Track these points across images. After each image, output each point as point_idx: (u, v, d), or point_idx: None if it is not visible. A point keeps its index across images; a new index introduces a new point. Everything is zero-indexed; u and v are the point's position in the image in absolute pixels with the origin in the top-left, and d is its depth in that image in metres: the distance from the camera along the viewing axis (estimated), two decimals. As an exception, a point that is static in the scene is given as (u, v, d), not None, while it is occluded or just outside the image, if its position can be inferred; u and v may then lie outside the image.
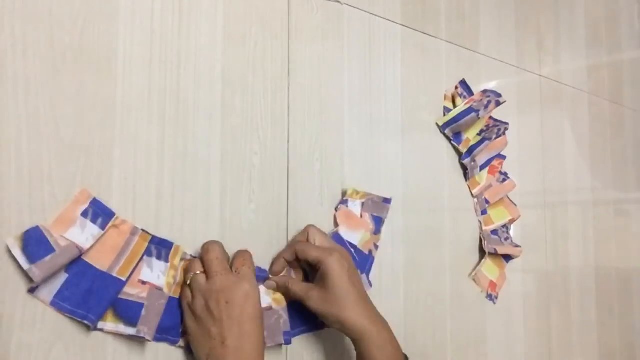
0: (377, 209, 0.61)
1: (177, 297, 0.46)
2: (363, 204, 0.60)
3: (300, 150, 0.57)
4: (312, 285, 0.50)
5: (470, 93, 0.76)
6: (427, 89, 0.71)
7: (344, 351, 0.57)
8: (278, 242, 0.54)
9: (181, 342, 0.46)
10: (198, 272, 0.45)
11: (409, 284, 0.65)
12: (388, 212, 0.62)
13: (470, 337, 0.73)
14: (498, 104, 0.72)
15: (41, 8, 0.41)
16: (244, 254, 0.48)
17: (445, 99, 0.73)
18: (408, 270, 0.65)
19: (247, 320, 0.43)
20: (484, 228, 0.76)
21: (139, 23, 0.47)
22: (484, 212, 0.76)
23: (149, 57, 0.47)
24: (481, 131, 0.75)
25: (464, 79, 0.75)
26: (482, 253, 0.75)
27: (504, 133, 0.78)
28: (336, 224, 0.58)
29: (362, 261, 0.58)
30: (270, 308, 0.50)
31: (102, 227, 0.42)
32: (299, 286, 0.50)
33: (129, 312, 0.43)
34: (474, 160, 0.75)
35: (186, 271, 0.46)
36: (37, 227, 0.39)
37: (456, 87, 0.74)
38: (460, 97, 0.73)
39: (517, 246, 0.78)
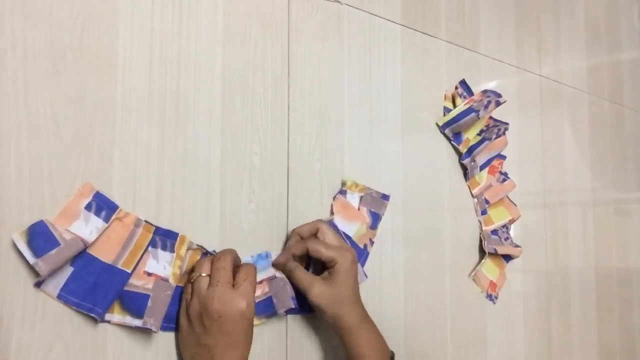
0: (375, 205, 0.61)
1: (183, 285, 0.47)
2: (361, 197, 0.60)
3: (300, 150, 0.57)
4: (317, 278, 0.51)
5: (470, 93, 0.76)
6: (427, 89, 0.71)
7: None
8: (278, 242, 0.54)
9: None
10: (203, 275, 0.45)
11: (409, 283, 0.65)
12: (386, 208, 0.62)
13: (470, 337, 0.73)
14: (498, 104, 0.72)
15: (41, 8, 0.41)
16: (248, 269, 0.47)
17: (445, 99, 0.73)
18: (408, 270, 0.65)
19: (237, 335, 0.44)
20: (484, 228, 0.76)
21: (139, 23, 0.47)
22: (484, 212, 0.76)
23: (149, 57, 0.47)
24: (481, 131, 0.75)
25: (464, 79, 0.75)
26: (482, 253, 0.75)
27: (504, 133, 0.78)
28: (331, 212, 0.58)
29: (357, 253, 0.58)
30: (274, 277, 0.51)
31: (106, 219, 0.43)
32: (304, 274, 0.51)
33: (135, 304, 0.43)
34: (474, 160, 0.75)
35: (195, 267, 0.47)
36: (42, 221, 0.40)
37: (456, 87, 0.74)
38: (460, 97, 0.73)
39: (517, 246, 0.78)
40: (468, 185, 0.75)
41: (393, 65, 0.67)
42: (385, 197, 0.62)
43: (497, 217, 0.78)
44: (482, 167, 0.76)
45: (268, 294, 0.50)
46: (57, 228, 0.40)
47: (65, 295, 0.40)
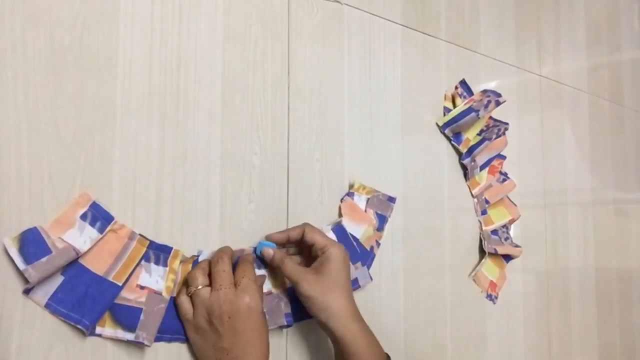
0: (382, 207, 0.62)
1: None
2: (368, 199, 0.61)
3: (300, 150, 0.57)
4: (307, 269, 0.50)
5: (470, 93, 0.76)
6: (427, 89, 0.71)
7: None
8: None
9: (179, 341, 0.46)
10: (200, 287, 0.45)
11: (409, 283, 0.65)
12: (392, 211, 0.62)
13: (470, 337, 0.73)
14: (498, 103, 0.72)
15: (41, 8, 0.41)
16: (244, 265, 0.47)
17: (445, 99, 0.73)
18: (408, 270, 0.65)
19: (250, 331, 0.44)
20: (484, 228, 0.76)
21: (139, 23, 0.47)
22: (484, 212, 0.76)
23: (149, 57, 0.47)
24: (481, 131, 0.75)
25: (464, 79, 0.75)
26: (482, 253, 0.75)
27: (503, 133, 0.78)
28: (340, 215, 0.58)
29: (364, 254, 0.58)
30: (270, 293, 0.51)
31: (101, 230, 0.42)
32: (294, 266, 0.49)
33: (127, 317, 0.43)
34: (474, 160, 0.75)
35: (186, 282, 0.46)
36: (35, 228, 0.39)
37: (456, 87, 0.74)
38: (460, 97, 0.73)
39: (517, 246, 0.78)
40: (468, 185, 0.75)
41: (393, 65, 0.67)
42: (392, 200, 0.62)
43: (497, 217, 0.78)
44: (482, 167, 0.76)
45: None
46: (50, 236, 0.40)
47: (54, 305, 0.40)
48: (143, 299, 0.44)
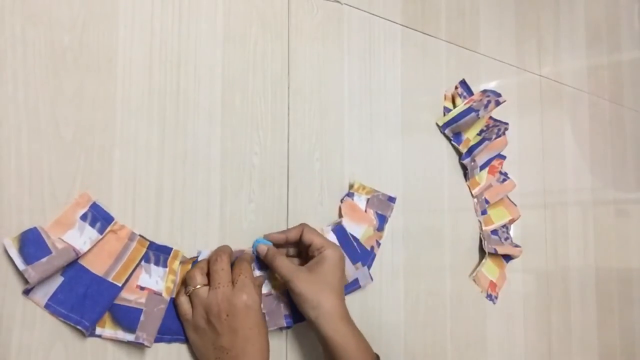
0: (382, 207, 0.62)
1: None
2: (368, 200, 0.61)
3: (300, 150, 0.57)
4: (301, 267, 0.50)
5: (470, 93, 0.76)
6: (427, 89, 0.71)
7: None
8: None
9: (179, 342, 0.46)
10: (198, 287, 0.45)
11: (409, 283, 0.65)
12: (392, 211, 0.62)
13: (470, 337, 0.73)
14: (498, 103, 0.72)
15: (41, 8, 0.41)
16: (241, 264, 0.47)
17: (445, 99, 0.73)
18: (408, 269, 0.65)
19: (249, 329, 0.44)
20: (484, 228, 0.76)
21: (139, 23, 0.47)
22: (484, 212, 0.76)
23: (149, 57, 0.47)
24: (481, 131, 0.75)
25: (464, 79, 0.75)
26: (482, 253, 0.75)
27: (503, 133, 0.78)
28: (340, 215, 0.58)
29: (364, 255, 0.58)
30: (269, 294, 0.51)
31: (101, 231, 0.42)
32: (287, 263, 0.49)
33: (127, 318, 0.43)
34: (474, 160, 0.75)
35: (185, 282, 0.46)
36: (35, 228, 0.39)
37: (456, 87, 0.74)
38: (460, 97, 0.73)
39: (517, 246, 0.78)
40: (468, 185, 0.75)
41: (393, 65, 0.67)
42: (392, 200, 0.62)
43: (497, 217, 0.78)
44: (482, 167, 0.76)
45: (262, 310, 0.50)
46: (50, 236, 0.40)
47: (53, 305, 0.40)
48: (143, 300, 0.44)
